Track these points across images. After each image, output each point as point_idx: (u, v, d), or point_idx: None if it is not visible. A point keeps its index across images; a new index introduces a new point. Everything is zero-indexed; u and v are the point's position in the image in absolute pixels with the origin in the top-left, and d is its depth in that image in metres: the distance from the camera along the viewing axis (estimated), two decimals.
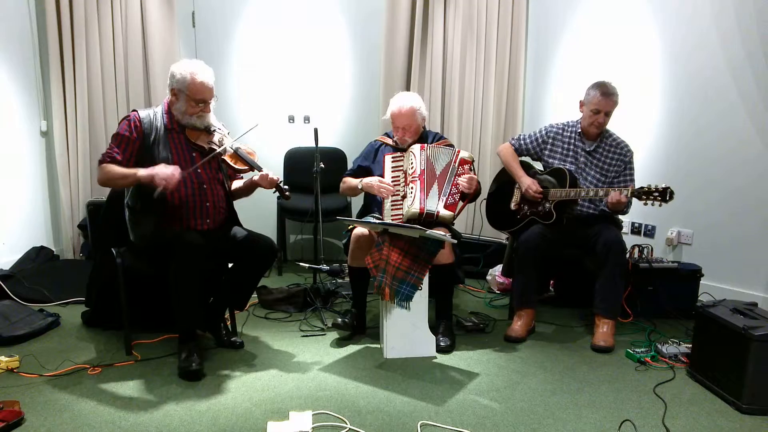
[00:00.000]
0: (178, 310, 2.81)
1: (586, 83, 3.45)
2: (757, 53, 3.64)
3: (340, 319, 3.28)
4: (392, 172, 3.32)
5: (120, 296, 2.98)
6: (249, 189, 3.18)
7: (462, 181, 3.20)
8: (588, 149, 3.44)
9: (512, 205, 3.54)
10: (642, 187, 3.13)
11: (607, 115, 3.35)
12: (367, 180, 3.33)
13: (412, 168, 3.23)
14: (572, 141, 3.47)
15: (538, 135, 3.56)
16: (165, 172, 2.75)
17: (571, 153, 3.46)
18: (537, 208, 3.41)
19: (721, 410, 2.54)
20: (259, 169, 3.03)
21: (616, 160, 3.41)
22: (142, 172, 2.78)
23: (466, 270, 4.51)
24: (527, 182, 3.40)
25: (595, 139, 3.44)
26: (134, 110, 2.97)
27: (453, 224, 3.30)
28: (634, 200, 3.18)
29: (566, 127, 3.51)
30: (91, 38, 4.47)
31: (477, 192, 3.35)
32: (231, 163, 3.02)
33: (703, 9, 3.87)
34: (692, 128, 4.00)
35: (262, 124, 4.69)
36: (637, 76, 4.18)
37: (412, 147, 3.28)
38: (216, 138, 3.02)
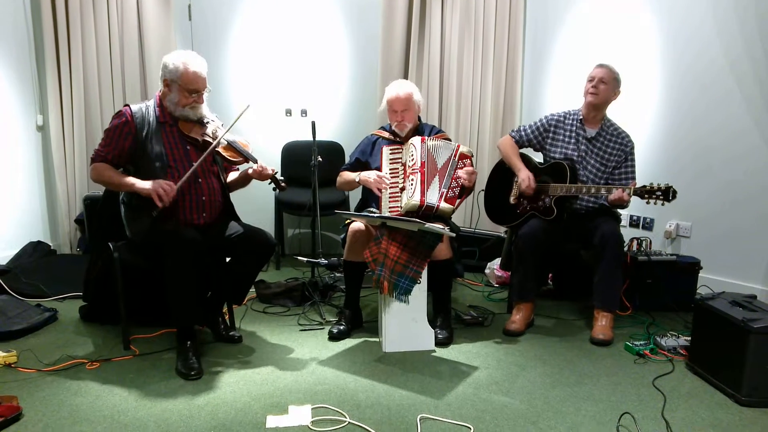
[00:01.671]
0: (175, 307, 2.79)
1: (584, 74, 3.44)
2: (755, 43, 3.62)
3: (334, 329, 3.23)
4: (390, 164, 3.31)
5: (117, 291, 2.97)
6: (244, 181, 3.16)
7: (462, 173, 3.19)
8: (589, 137, 3.43)
9: (511, 199, 3.52)
10: (644, 186, 3.14)
11: (603, 82, 3.34)
12: (364, 174, 3.32)
13: (412, 160, 3.21)
14: (573, 128, 3.46)
15: (539, 124, 3.55)
16: (162, 189, 2.73)
17: (572, 140, 3.45)
18: (537, 203, 3.40)
19: (721, 403, 2.54)
20: (254, 161, 3.01)
21: (617, 150, 3.41)
22: (139, 185, 2.77)
23: (464, 263, 4.51)
24: (524, 175, 3.39)
25: (595, 125, 3.43)
26: (126, 105, 2.95)
27: (451, 218, 3.29)
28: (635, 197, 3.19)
29: (567, 116, 3.50)
30: (86, 31, 4.45)
31: (473, 185, 3.35)
32: (225, 155, 3.00)
33: None
34: (689, 119, 3.99)
35: (258, 118, 4.73)
36: (634, 67, 4.16)
37: (412, 139, 3.26)
38: (209, 130, 2.99)
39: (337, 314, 3.50)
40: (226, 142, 3.00)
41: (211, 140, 2.95)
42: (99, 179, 2.90)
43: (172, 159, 2.89)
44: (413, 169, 3.19)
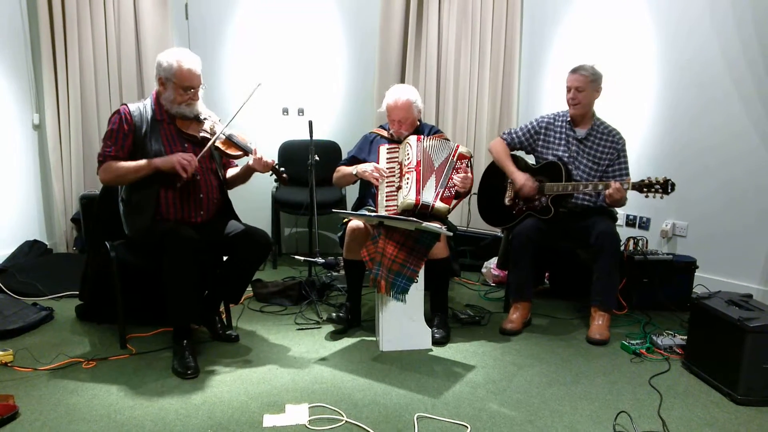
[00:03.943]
0: (172, 306, 2.78)
1: None
2: (752, 42, 3.63)
3: (334, 314, 3.28)
4: (387, 162, 3.31)
5: (114, 290, 2.96)
6: (246, 175, 3.15)
7: (457, 179, 3.19)
8: (579, 137, 3.44)
9: (506, 201, 3.53)
10: (642, 180, 3.16)
11: (579, 90, 3.33)
12: (361, 166, 3.31)
13: (408, 159, 3.21)
14: (563, 129, 3.47)
15: (530, 126, 3.55)
16: (184, 159, 2.76)
17: (563, 142, 3.46)
18: (533, 203, 3.40)
19: (716, 401, 2.55)
20: (252, 152, 3.01)
21: (609, 148, 3.41)
22: (158, 161, 2.79)
23: (462, 262, 4.52)
24: (521, 179, 3.38)
25: (584, 126, 3.44)
26: (123, 104, 2.95)
27: (447, 218, 3.29)
28: (633, 192, 3.19)
29: (557, 117, 3.51)
30: (83, 30, 4.43)
31: (469, 189, 3.35)
32: (224, 150, 2.99)
33: None
34: (686, 118, 4.00)
35: (255, 117, 4.72)
36: (632, 66, 4.18)
37: (408, 138, 3.27)
38: (207, 126, 2.99)
39: (338, 305, 3.52)
40: (224, 137, 3.00)
41: (209, 136, 2.95)
42: (112, 176, 2.84)
43: None
44: (409, 168, 3.19)
